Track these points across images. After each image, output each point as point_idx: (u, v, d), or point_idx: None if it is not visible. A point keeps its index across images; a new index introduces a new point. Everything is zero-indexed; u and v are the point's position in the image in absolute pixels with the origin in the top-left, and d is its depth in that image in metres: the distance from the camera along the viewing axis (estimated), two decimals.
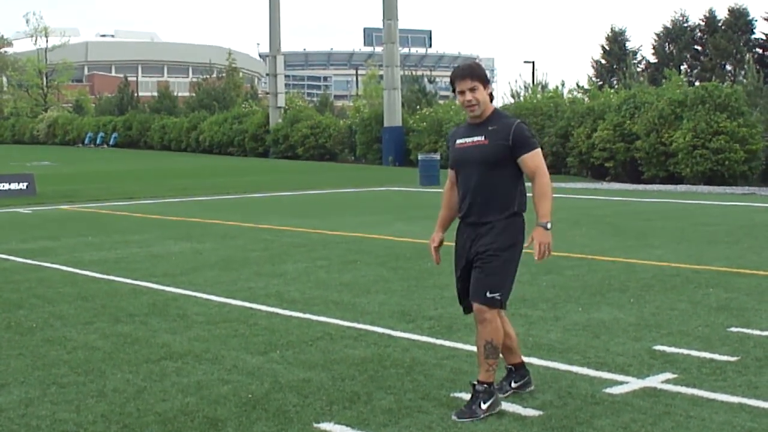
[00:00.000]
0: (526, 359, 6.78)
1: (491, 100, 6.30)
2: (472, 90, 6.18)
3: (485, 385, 6.14)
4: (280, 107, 54.85)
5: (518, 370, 6.56)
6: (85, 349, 8.15)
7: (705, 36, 65.22)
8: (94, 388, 6.90)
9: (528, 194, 6.22)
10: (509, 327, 6.54)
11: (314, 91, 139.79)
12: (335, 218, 19.88)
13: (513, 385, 6.51)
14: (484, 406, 6.07)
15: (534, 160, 6.16)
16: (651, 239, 15.27)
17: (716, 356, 7.50)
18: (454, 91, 6.36)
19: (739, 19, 63.61)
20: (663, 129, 31.67)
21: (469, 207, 6.29)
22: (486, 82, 6.23)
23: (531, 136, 6.21)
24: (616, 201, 23.93)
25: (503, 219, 6.18)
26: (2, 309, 10.01)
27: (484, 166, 6.19)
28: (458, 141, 6.38)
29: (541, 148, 6.44)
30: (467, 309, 6.42)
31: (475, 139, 6.25)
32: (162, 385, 6.95)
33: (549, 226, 6.13)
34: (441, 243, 6.60)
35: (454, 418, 6.04)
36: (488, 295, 6.11)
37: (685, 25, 66.40)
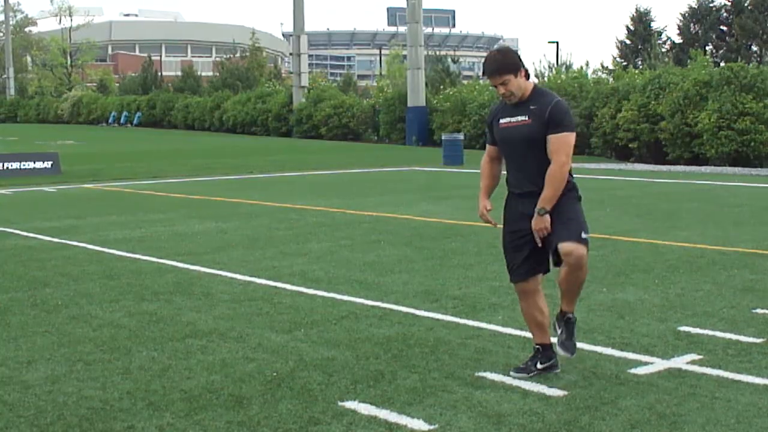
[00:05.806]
0: (551, 338, 6.78)
1: (527, 78, 6.36)
2: (504, 84, 6.29)
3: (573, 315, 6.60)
4: (303, 87, 54.75)
5: (545, 351, 6.56)
6: (110, 326, 8.20)
7: (731, 16, 64.81)
8: (120, 365, 6.95)
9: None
10: (544, 304, 6.60)
11: (337, 71, 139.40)
12: (359, 198, 19.89)
13: (539, 366, 6.51)
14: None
15: (556, 142, 6.25)
16: (676, 220, 15.21)
17: (741, 338, 7.48)
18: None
19: (766, 0, 63.12)
20: (688, 110, 31.45)
21: (521, 180, 6.42)
22: (516, 70, 6.28)
23: (565, 118, 6.27)
24: (640, 182, 23.83)
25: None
26: (28, 287, 10.08)
27: (530, 143, 6.31)
28: (502, 121, 6.45)
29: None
30: (527, 273, 6.51)
31: (519, 118, 6.34)
32: (187, 363, 6.99)
33: (543, 212, 6.23)
34: (490, 209, 6.65)
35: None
36: (583, 235, 6.27)
37: (711, 5, 66.01)
